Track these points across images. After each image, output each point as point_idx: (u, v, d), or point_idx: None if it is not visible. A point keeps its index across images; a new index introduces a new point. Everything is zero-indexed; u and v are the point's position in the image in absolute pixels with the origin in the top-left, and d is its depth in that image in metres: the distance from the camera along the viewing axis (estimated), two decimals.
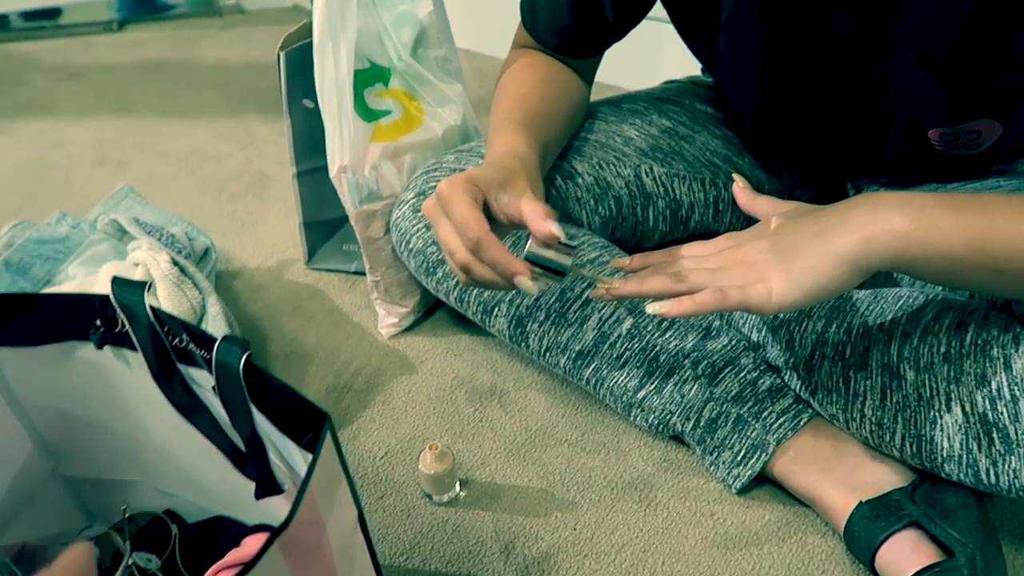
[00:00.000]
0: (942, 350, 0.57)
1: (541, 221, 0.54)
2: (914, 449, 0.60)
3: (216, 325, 0.80)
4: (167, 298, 0.80)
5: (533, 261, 0.55)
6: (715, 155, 0.84)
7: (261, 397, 0.47)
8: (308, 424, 0.45)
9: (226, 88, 1.60)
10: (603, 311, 0.72)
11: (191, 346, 0.50)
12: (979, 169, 0.71)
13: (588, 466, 0.74)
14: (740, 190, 0.62)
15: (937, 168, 0.73)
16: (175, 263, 0.82)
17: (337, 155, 0.80)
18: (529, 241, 0.55)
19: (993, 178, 0.70)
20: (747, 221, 0.87)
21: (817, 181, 0.87)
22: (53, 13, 1.98)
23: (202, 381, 0.51)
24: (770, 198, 0.60)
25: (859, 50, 0.64)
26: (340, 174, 0.80)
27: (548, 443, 0.76)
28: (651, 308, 0.53)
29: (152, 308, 0.50)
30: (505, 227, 0.59)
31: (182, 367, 0.51)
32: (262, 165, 1.29)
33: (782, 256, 0.51)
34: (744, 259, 0.54)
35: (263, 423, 0.48)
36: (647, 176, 0.81)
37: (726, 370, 0.70)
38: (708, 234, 0.85)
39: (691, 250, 0.59)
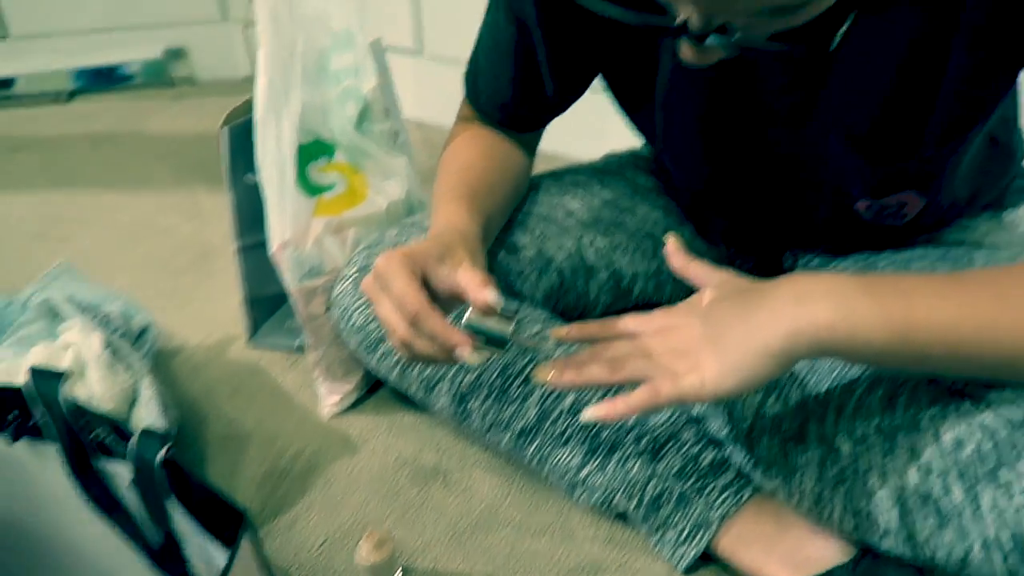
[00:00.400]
0: (875, 423, 0.57)
1: (479, 289, 0.54)
2: (853, 524, 0.59)
3: (149, 409, 0.77)
4: (99, 381, 0.77)
5: (474, 331, 0.54)
6: (656, 226, 0.85)
7: (181, 492, 0.45)
8: (228, 521, 0.43)
9: (175, 160, 1.59)
10: (545, 387, 0.72)
11: (110, 439, 0.48)
12: (906, 239, 0.73)
13: (533, 549, 0.72)
14: (673, 252, 0.62)
15: (867, 238, 0.74)
16: (108, 344, 0.80)
17: (278, 230, 0.80)
18: (468, 311, 0.55)
19: (920, 247, 0.72)
20: (689, 292, 0.88)
21: (757, 252, 0.88)
22: (6, 83, 1.96)
23: (122, 475, 0.49)
24: (703, 264, 0.60)
25: (789, 126, 0.66)
26: (281, 249, 0.80)
27: (492, 526, 0.74)
28: (587, 416, 0.53)
29: (69, 400, 0.48)
30: (448, 301, 0.59)
31: (102, 460, 0.49)
32: (208, 238, 1.27)
33: (714, 346, 0.52)
34: (677, 346, 0.54)
35: (182, 519, 0.46)
36: (589, 248, 0.81)
37: (668, 445, 0.69)
38: (650, 305, 0.86)
39: (627, 324, 0.59)
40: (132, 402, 0.79)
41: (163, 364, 0.97)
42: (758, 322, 0.50)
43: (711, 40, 0.45)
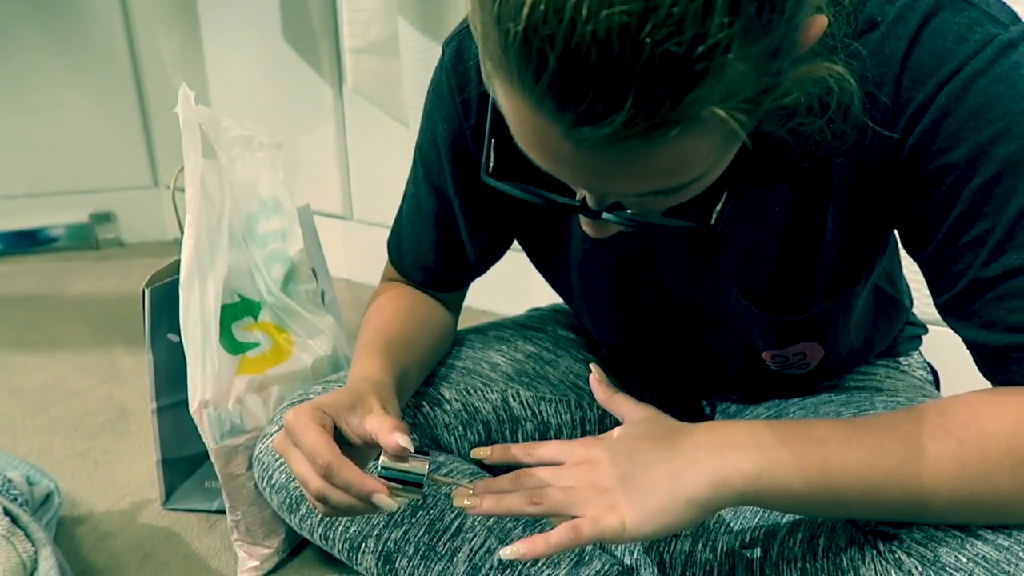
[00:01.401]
0: (798, 565, 0.58)
1: (388, 435, 0.54)
2: None
3: None
4: None
5: (389, 477, 0.54)
6: (579, 378, 0.87)
7: None
8: None
9: (95, 321, 1.56)
10: (473, 542, 0.70)
11: None
12: (812, 385, 0.77)
13: None
14: (597, 384, 0.63)
15: (776, 386, 0.78)
16: (7, 512, 0.75)
17: (199, 389, 0.79)
18: (381, 457, 0.55)
19: (825, 393, 0.76)
20: None
21: (675, 399, 0.91)
22: None
23: None
24: (627, 398, 0.62)
25: (692, 287, 0.70)
26: (201, 408, 0.78)
27: None
28: (506, 553, 0.52)
29: None
30: (363, 451, 0.58)
31: None
32: (124, 399, 1.23)
33: (635, 492, 0.53)
34: (598, 483, 0.55)
35: None
36: (514, 400, 0.83)
37: None
38: None
39: (550, 451, 0.59)
40: (31, 574, 0.73)
41: (68, 532, 0.91)
42: (679, 468, 0.52)
43: (606, 216, 0.49)
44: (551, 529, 0.55)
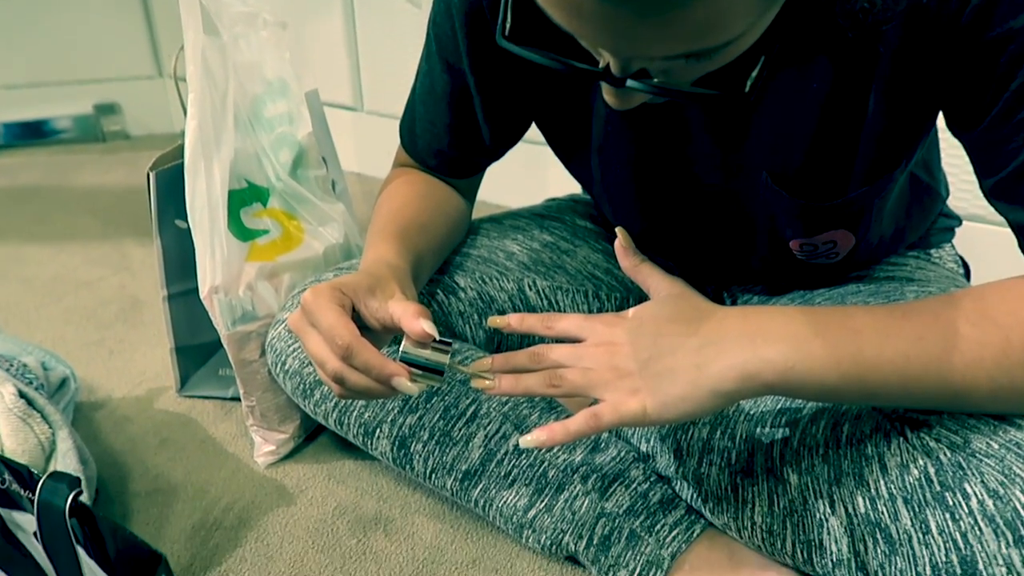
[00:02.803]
0: (820, 452, 0.57)
1: (412, 320, 0.52)
2: (805, 555, 0.58)
3: (67, 462, 0.72)
4: (11, 434, 0.72)
5: (409, 362, 0.53)
6: (596, 268, 0.85)
7: (92, 540, 0.41)
8: (145, 569, 0.40)
9: (103, 213, 1.54)
10: (488, 427, 0.70)
11: (14, 487, 0.44)
12: (839, 276, 0.75)
13: None
14: (623, 251, 0.61)
15: (802, 277, 0.76)
16: (22, 395, 0.75)
17: (208, 275, 0.77)
18: (403, 342, 0.53)
19: (853, 283, 0.74)
20: None
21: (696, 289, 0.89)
22: None
23: (27, 526, 0.45)
24: (654, 269, 0.60)
25: (719, 168, 0.67)
26: (211, 295, 0.77)
27: (437, 573, 0.71)
28: (525, 441, 0.52)
29: None
30: (380, 334, 0.57)
31: (3, 511, 0.45)
32: (136, 290, 1.23)
33: (658, 377, 0.51)
34: (619, 366, 0.53)
35: (93, 571, 0.42)
36: (530, 290, 0.81)
37: (616, 483, 0.68)
38: None
39: (569, 326, 0.57)
40: (49, 456, 0.74)
41: (85, 417, 0.92)
42: (706, 357, 0.50)
43: (630, 84, 0.45)
44: (568, 417, 0.54)
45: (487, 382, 0.55)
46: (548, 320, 0.58)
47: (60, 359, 0.90)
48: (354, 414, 0.73)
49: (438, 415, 0.70)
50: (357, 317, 0.55)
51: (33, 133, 1.97)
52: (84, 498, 0.69)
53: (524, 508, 0.69)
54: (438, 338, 0.52)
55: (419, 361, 0.53)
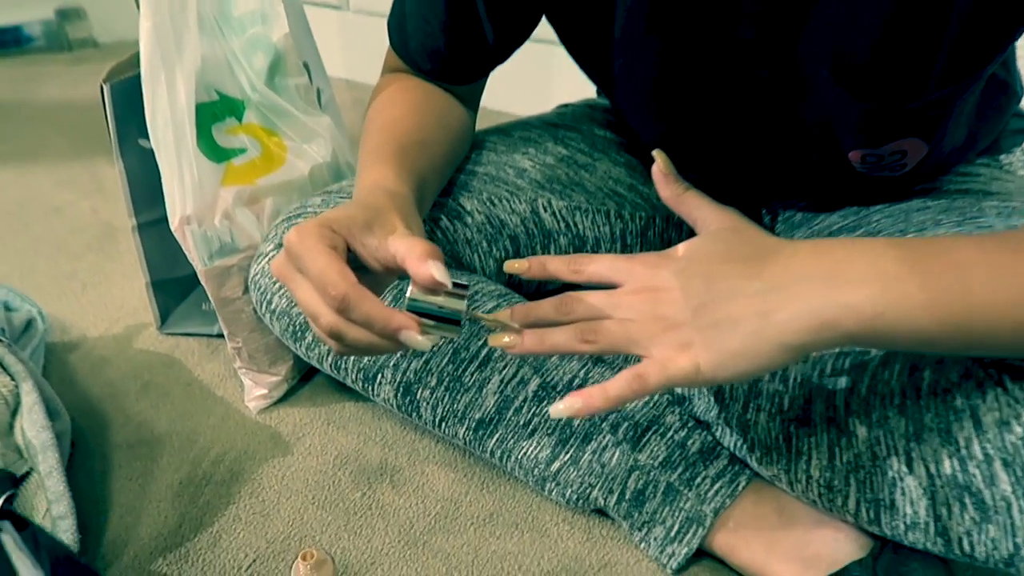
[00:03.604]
0: (896, 401, 0.49)
1: (420, 262, 0.43)
2: (871, 515, 0.52)
3: (33, 418, 0.65)
4: None
5: (418, 311, 0.44)
6: (618, 184, 0.75)
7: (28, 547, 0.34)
8: None
9: (71, 129, 1.42)
10: (504, 371, 0.62)
11: None
12: (903, 190, 0.65)
13: (500, 553, 0.62)
14: (662, 177, 0.51)
15: (858, 190, 0.66)
16: None
17: (178, 204, 0.67)
18: (409, 287, 0.44)
19: (918, 199, 0.64)
20: None
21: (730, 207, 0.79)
22: None
23: None
24: (702, 198, 0.50)
25: (772, 61, 0.56)
26: (183, 226, 0.67)
27: (451, 528, 0.65)
28: (556, 411, 0.43)
29: None
30: (380, 277, 0.48)
31: None
32: (110, 215, 1.13)
33: (713, 329, 0.43)
34: (666, 315, 0.44)
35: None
36: (545, 211, 0.71)
37: (650, 431, 0.60)
38: None
39: (601, 268, 0.48)
40: (14, 412, 0.66)
41: (58, 360, 0.84)
42: (773, 304, 0.41)
43: None
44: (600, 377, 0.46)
45: (507, 339, 0.47)
46: (576, 262, 0.48)
47: (25, 297, 0.81)
48: (351, 358, 0.65)
49: (446, 358, 0.62)
50: (353, 258, 0.46)
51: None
52: (49, 464, 0.62)
53: (546, 460, 0.62)
54: (453, 282, 0.43)
55: (430, 310, 0.44)
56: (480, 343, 0.62)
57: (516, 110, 1.17)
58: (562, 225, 0.72)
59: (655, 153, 0.51)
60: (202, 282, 0.70)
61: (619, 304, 0.46)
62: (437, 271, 0.42)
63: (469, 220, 0.68)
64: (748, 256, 0.44)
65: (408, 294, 0.44)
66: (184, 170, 0.68)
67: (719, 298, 0.43)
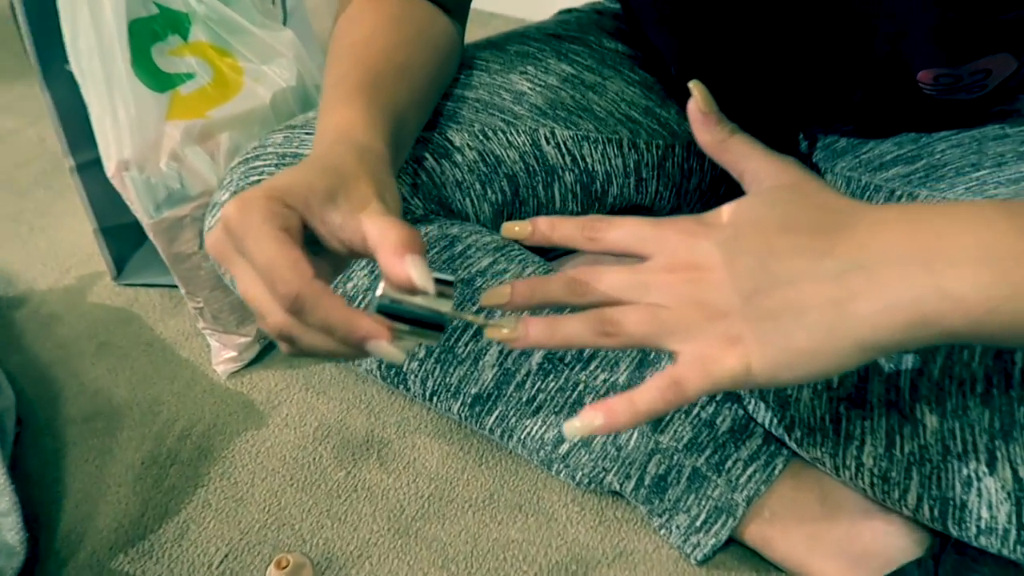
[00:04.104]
0: (978, 389, 0.41)
1: (394, 256, 0.34)
2: (935, 513, 0.44)
3: None
4: None
5: (390, 313, 0.35)
6: (633, 107, 0.65)
7: None
8: None
9: (8, 44, 1.28)
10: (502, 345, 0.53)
11: None
12: (975, 114, 0.55)
13: (502, 541, 0.56)
14: (701, 118, 0.40)
15: (922, 115, 0.56)
16: None
17: (113, 145, 0.57)
18: (381, 284, 0.35)
19: (993, 124, 0.54)
20: (678, 192, 0.69)
21: (763, 131, 0.69)
22: None
23: None
24: (753, 145, 0.40)
25: None
26: (120, 171, 0.57)
27: (446, 513, 0.57)
28: (572, 429, 0.35)
29: None
30: (342, 257, 0.39)
31: None
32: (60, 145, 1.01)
33: (770, 320, 0.33)
34: (708, 300, 0.35)
35: None
36: (548, 143, 0.61)
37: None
38: (634, 210, 0.67)
39: (623, 235, 0.38)
40: None
41: (5, 318, 0.75)
42: (855, 290, 0.32)
43: None
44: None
45: (505, 331, 0.37)
46: (592, 227, 0.38)
47: None
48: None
49: None
50: (309, 234, 0.37)
51: None
52: None
53: (553, 441, 0.54)
54: (435, 278, 0.34)
55: (406, 312, 0.35)
56: (475, 307, 0.53)
57: (511, 10, 1.03)
58: (567, 159, 0.62)
59: (692, 85, 0.40)
60: (150, 237, 0.60)
61: (648, 284, 0.37)
62: (416, 271, 0.33)
63: (459, 158, 0.58)
64: (816, 224, 0.35)
65: (378, 292, 0.35)
66: (118, 103, 0.57)
67: (779, 280, 0.34)
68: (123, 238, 0.77)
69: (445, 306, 0.36)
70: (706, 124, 0.40)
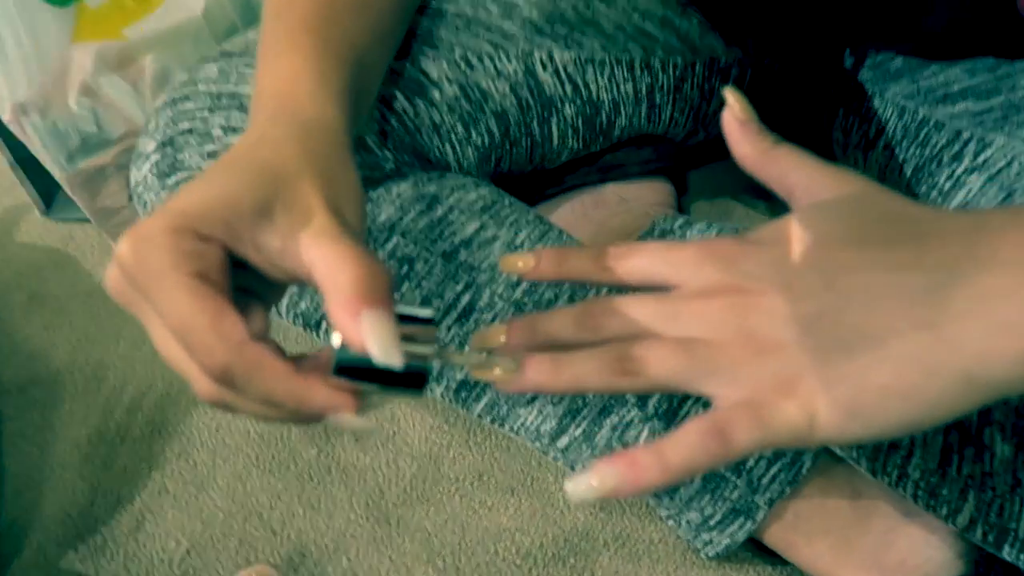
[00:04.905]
0: None
1: (345, 315, 0.25)
2: (991, 539, 0.39)
3: None
4: None
5: (353, 368, 0.27)
6: (647, 19, 0.54)
7: None
8: None
9: None
10: (493, 322, 0.45)
11: None
12: None
13: (493, 530, 0.51)
14: (741, 128, 0.31)
15: (1001, 36, 0.46)
16: None
17: (4, 85, 0.46)
18: (336, 335, 0.27)
19: None
20: (695, 116, 0.59)
21: (795, 48, 0.58)
22: None
23: None
24: (801, 157, 0.31)
25: None
26: (18, 117, 0.46)
27: (431, 496, 0.52)
28: (578, 491, 0.27)
29: None
30: (284, 283, 0.30)
31: None
32: None
33: (841, 352, 0.26)
34: (756, 329, 0.27)
35: None
36: (544, 69, 0.50)
37: (689, 401, 0.46)
38: (643, 140, 0.58)
39: (645, 260, 0.31)
40: None
41: None
42: (954, 312, 0.24)
43: None
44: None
45: (498, 371, 0.30)
46: (607, 256, 0.30)
47: None
48: (285, 303, 0.47)
49: (417, 304, 0.45)
50: (237, 257, 0.28)
51: None
52: None
53: (550, 434, 0.47)
54: (407, 315, 0.26)
55: (375, 365, 0.26)
56: (460, 286, 0.45)
57: None
58: (568, 88, 0.52)
59: (727, 92, 0.31)
60: (67, 191, 0.50)
61: (679, 313, 0.29)
62: (374, 337, 0.25)
63: (436, 95, 0.48)
64: (894, 236, 0.26)
65: (335, 342, 0.26)
66: (3, 27, 0.45)
67: (850, 301, 0.26)
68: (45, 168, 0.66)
69: (425, 349, 0.28)
70: (745, 135, 0.31)
